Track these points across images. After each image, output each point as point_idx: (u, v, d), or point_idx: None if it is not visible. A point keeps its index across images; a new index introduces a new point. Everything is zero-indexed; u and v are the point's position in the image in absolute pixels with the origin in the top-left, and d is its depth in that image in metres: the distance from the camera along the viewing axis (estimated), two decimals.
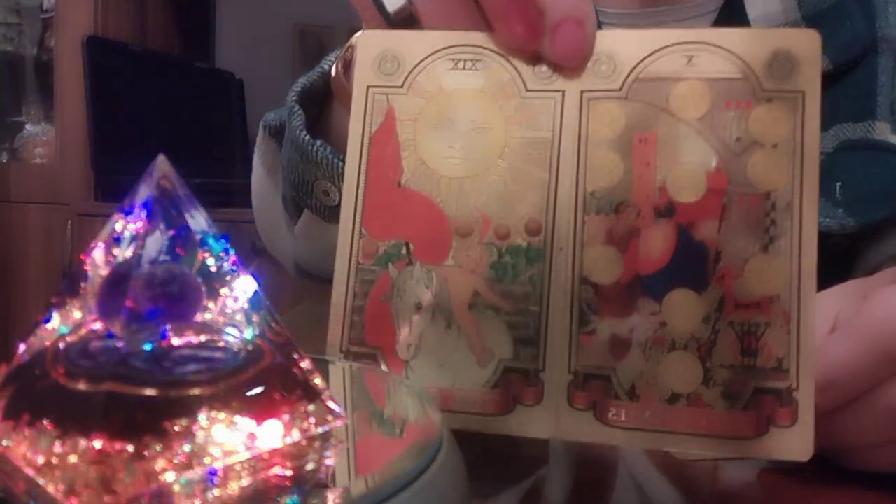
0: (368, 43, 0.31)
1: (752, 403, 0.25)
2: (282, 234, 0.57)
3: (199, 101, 1.90)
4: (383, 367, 0.29)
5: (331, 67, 0.46)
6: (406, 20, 0.32)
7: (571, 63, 0.28)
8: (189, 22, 2.04)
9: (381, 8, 0.32)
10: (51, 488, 0.17)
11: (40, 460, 0.17)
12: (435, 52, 0.30)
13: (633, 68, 0.28)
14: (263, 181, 0.58)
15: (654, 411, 0.26)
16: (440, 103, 0.30)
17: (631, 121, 0.28)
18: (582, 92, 0.28)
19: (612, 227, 0.27)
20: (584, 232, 0.27)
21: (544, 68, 0.29)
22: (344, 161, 0.37)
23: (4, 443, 0.18)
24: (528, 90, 0.29)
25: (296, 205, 0.52)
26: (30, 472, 0.17)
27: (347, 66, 0.44)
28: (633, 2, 0.58)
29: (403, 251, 0.29)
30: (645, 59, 0.28)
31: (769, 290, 0.26)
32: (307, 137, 0.45)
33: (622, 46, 0.28)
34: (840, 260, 0.53)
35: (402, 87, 0.30)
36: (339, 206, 0.46)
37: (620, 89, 0.28)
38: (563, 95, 0.28)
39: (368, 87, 0.30)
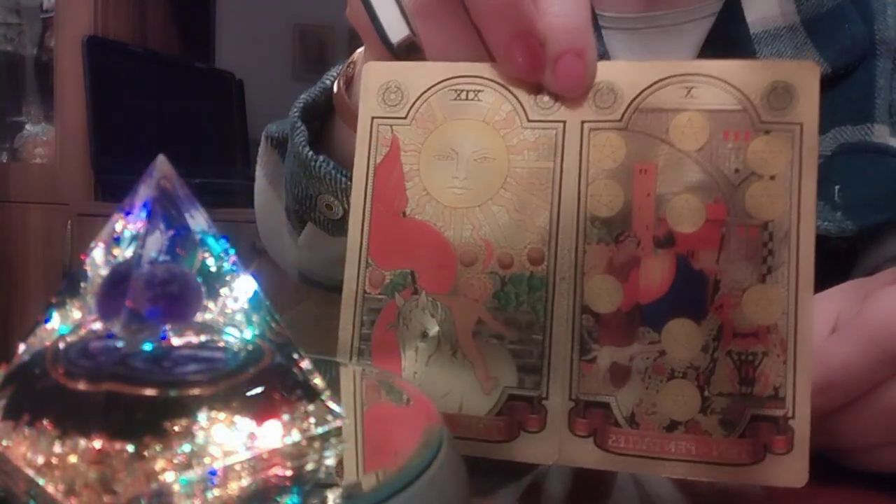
0: (372, 74, 0.31)
1: (749, 431, 0.26)
2: (285, 242, 0.58)
3: (199, 101, 1.90)
4: None
5: (332, 83, 0.46)
6: (408, 50, 0.33)
7: (573, 93, 0.29)
8: (189, 22, 2.04)
9: (384, 38, 0.33)
10: (51, 488, 0.17)
11: (40, 460, 0.17)
12: (438, 83, 0.30)
13: (634, 99, 0.28)
14: (266, 191, 0.58)
15: (653, 438, 0.27)
16: (443, 134, 0.30)
17: (631, 151, 0.28)
18: (583, 122, 0.29)
19: (613, 256, 0.28)
20: (585, 261, 0.28)
21: (546, 98, 0.29)
22: (346, 176, 0.37)
23: (4, 443, 0.18)
24: (529, 120, 0.29)
25: (299, 217, 0.52)
26: (30, 472, 0.17)
27: (349, 82, 0.44)
28: (631, 6, 0.58)
29: (409, 280, 0.30)
30: (645, 90, 0.28)
31: (767, 320, 0.26)
32: (310, 153, 0.46)
33: (623, 77, 0.29)
34: (839, 262, 0.53)
35: (405, 118, 0.30)
36: (342, 219, 0.46)
37: (621, 120, 0.28)
38: (564, 126, 0.29)
39: (373, 119, 0.31)
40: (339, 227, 0.48)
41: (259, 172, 0.58)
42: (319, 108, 0.47)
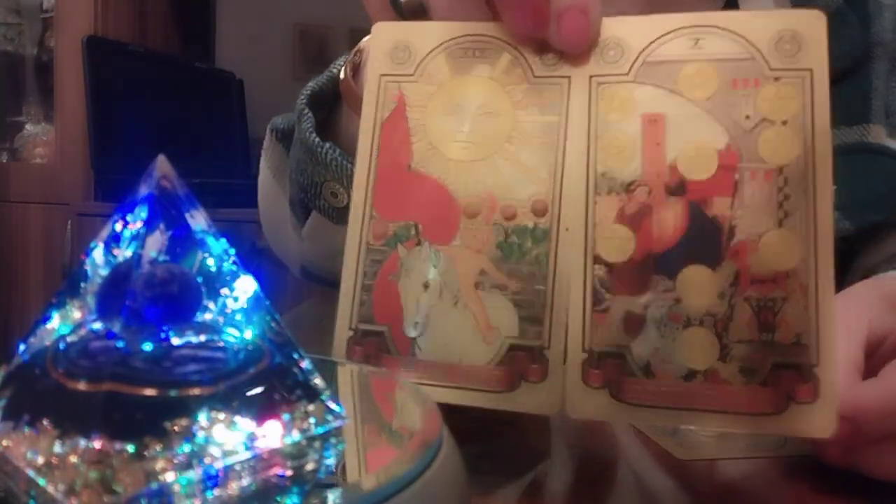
0: (382, 34, 0.32)
1: (771, 379, 0.25)
2: (288, 236, 0.58)
3: (199, 101, 1.90)
4: (390, 345, 0.29)
5: (339, 71, 0.47)
6: (416, 12, 0.33)
7: (577, 50, 0.29)
8: (189, 22, 2.04)
9: (393, 0, 0.33)
10: (51, 488, 0.17)
11: (40, 460, 0.17)
12: (445, 42, 0.31)
13: (641, 52, 0.29)
14: (270, 184, 0.58)
15: (670, 388, 0.26)
16: (450, 90, 0.30)
17: (640, 102, 0.28)
18: (591, 77, 0.29)
19: (624, 206, 0.28)
20: (596, 212, 0.28)
21: (550, 56, 0.30)
22: (352, 163, 0.37)
23: (4, 443, 0.18)
24: (535, 76, 0.30)
25: (303, 207, 0.53)
26: (30, 472, 0.17)
27: (356, 69, 0.45)
28: (631, 12, 0.59)
29: (412, 232, 0.30)
30: (652, 43, 0.29)
31: (785, 265, 0.26)
32: (317, 139, 0.46)
33: (629, 32, 0.29)
34: (838, 262, 0.53)
35: (412, 75, 0.31)
36: (346, 207, 0.46)
37: (628, 73, 0.29)
38: (570, 81, 0.29)
39: (381, 76, 0.31)
40: (343, 215, 0.48)
41: (263, 165, 0.59)
42: (326, 96, 0.48)
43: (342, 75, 0.45)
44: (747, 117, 0.27)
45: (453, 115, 0.30)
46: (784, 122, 0.27)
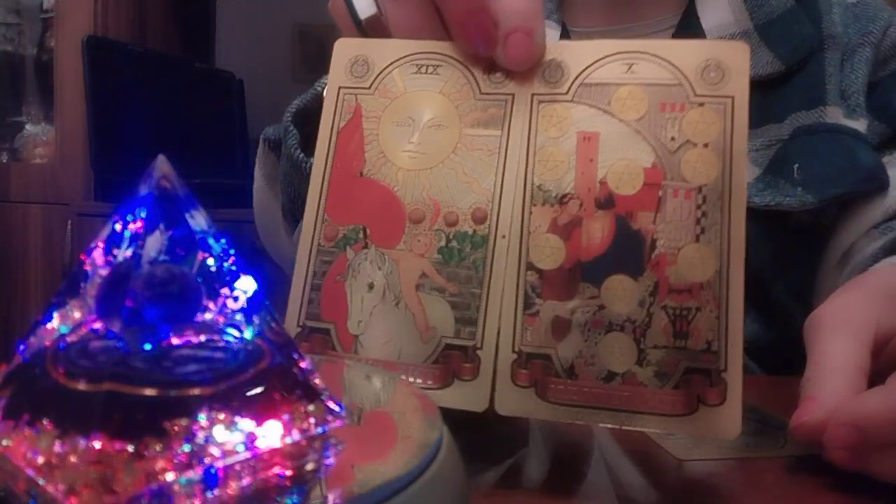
0: (343, 49, 0.34)
1: (682, 383, 0.27)
2: (282, 239, 0.61)
3: (199, 101, 1.90)
4: (335, 342, 0.31)
5: (323, 90, 0.48)
6: (375, 28, 0.35)
7: (521, 68, 0.31)
8: (189, 22, 2.04)
9: (353, 16, 0.35)
10: (51, 488, 0.17)
11: (40, 460, 0.17)
12: (401, 58, 0.33)
13: (579, 74, 0.31)
14: (263, 191, 0.61)
15: (591, 389, 0.28)
16: (403, 103, 0.32)
17: (576, 121, 0.30)
18: (533, 95, 0.31)
19: (557, 217, 0.29)
20: (531, 221, 0.30)
21: (498, 74, 0.32)
22: None
23: (4, 443, 0.18)
24: (481, 93, 0.32)
25: (293, 214, 0.56)
26: (30, 472, 0.17)
27: None
28: (600, 20, 0.63)
29: (361, 235, 0.31)
30: (590, 66, 0.31)
31: (700, 277, 0.28)
32: (301, 155, 0.49)
33: (570, 55, 0.31)
34: (810, 238, 0.56)
35: (369, 88, 0.33)
36: None
37: (567, 93, 0.31)
38: (513, 99, 0.31)
39: (339, 88, 0.34)
40: None
41: (257, 173, 0.62)
42: (311, 112, 0.51)
43: (325, 94, 0.47)
44: (672, 139, 0.29)
45: (405, 126, 0.32)
46: (706, 145, 0.29)
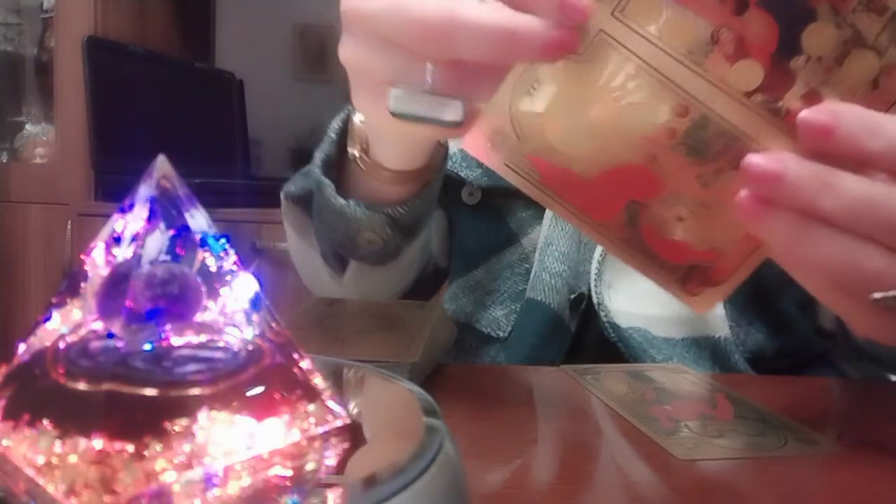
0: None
1: None
2: (325, 282, 0.61)
3: (199, 101, 1.90)
4: None
5: (336, 135, 0.51)
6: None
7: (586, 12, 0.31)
8: (189, 22, 2.04)
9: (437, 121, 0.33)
10: (51, 488, 0.17)
11: (40, 460, 0.17)
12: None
13: None
14: (297, 241, 0.62)
15: None
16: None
17: None
18: (611, 13, 0.31)
19: (724, 50, 0.31)
20: (714, 73, 0.31)
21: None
22: (378, 211, 0.44)
23: (4, 443, 0.18)
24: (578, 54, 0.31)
25: (338, 258, 0.56)
26: (30, 472, 0.17)
27: (365, 147, 0.48)
28: None
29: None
30: None
31: None
32: (341, 201, 0.49)
33: None
34: None
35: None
36: (384, 247, 0.50)
37: None
38: (600, 32, 0.31)
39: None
40: (382, 255, 0.52)
41: (287, 227, 0.62)
42: (333, 160, 0.52)
43: (357, 154, 0.49)
44: None
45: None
46: None
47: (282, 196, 0.60)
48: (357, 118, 0.48)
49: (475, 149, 0.34)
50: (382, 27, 0.33)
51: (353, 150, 0.49)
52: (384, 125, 0.36)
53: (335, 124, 0.52)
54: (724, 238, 0.33)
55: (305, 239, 0.60)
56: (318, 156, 0.52)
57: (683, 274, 0.34)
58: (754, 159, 0.30)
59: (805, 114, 0.30)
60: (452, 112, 0.32)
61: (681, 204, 0.33)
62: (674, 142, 0.32)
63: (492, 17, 0.30)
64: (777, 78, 0.31)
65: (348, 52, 0.37)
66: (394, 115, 0.33)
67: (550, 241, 0.58)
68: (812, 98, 0.31)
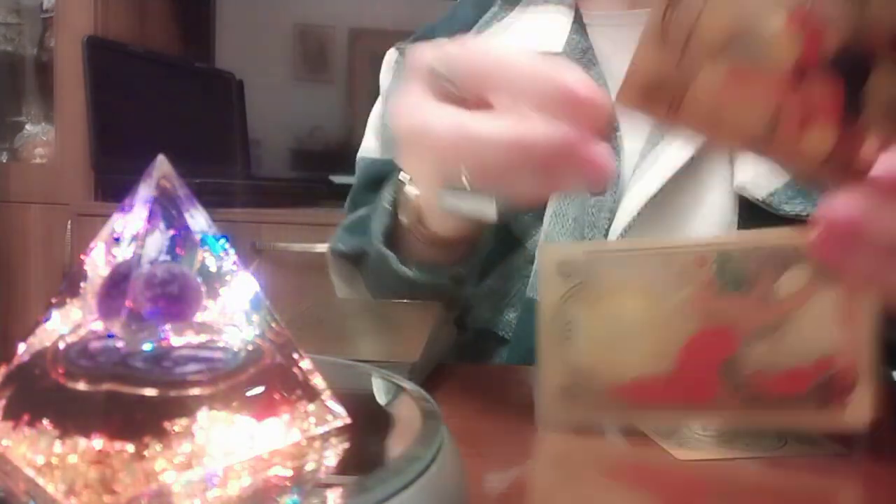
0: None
1: None
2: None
3: (199, 101, 1.90)
4: None
5: (391, 206, 0.53)
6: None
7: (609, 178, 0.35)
8: (189, 22, 2.04)
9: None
10: (51, 488, 0.17)
11: (40, 460, 0.17)
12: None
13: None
14: (345, 289, 0.64)
15: None
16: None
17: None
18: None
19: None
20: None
21: None
22: (444, 277, 0.48)
23: (4, 443, 0.18)
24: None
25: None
26: (30, 472, 0.17)
27: (419, 214, 0.51)
28: (616, 4, 0.61)
29: None
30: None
31: None
32: (408, 272, 0.52)
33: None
34: None
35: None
36: (445, 294, 0.53)
37: None
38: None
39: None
40: (441, 299, 0.54)
41: (333, 277, 0.64)
42: (391, 231, 0.54)
43: (407, 221, 0.51)
44: None
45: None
46: None
47: (328, 253, 0.62)
48: (412, 192, 0.51)
49: (557, 418, 0.34)
50: (417, 143, 0.39)
51: (406, 219, 0.51)
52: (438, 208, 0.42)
53: (387, 195, 0.54)
54: (818, 339, 0.32)
55: (355, 287, 0.62)
56: (377, 228, 0.54)
57: (816, 398, 0.32)
58: (828, 210, 0.30)
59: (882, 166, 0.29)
60: (487, 208, 0.38)
61: (758, 338, 0.32)
62: (714, 289, 0.32)
63: (496, 127, 0.34)
64: (848, 135, 0.30)
65: (406, 161, 0.46)
66: (440, 209, 0.40)
67: (550, 238, 0.58)
68: (885, 147, 0.29)
